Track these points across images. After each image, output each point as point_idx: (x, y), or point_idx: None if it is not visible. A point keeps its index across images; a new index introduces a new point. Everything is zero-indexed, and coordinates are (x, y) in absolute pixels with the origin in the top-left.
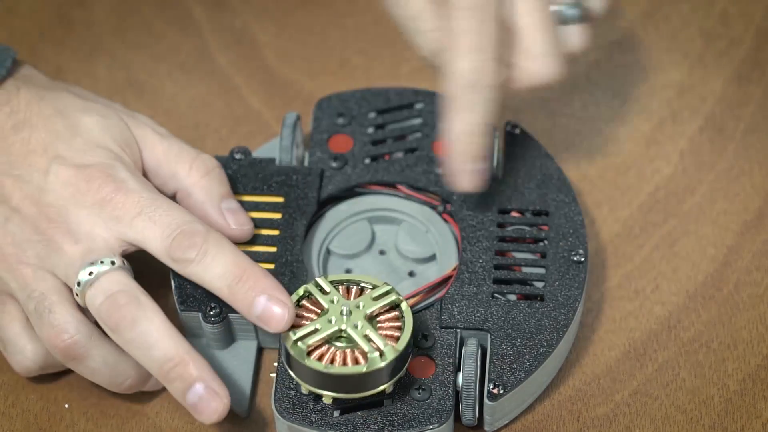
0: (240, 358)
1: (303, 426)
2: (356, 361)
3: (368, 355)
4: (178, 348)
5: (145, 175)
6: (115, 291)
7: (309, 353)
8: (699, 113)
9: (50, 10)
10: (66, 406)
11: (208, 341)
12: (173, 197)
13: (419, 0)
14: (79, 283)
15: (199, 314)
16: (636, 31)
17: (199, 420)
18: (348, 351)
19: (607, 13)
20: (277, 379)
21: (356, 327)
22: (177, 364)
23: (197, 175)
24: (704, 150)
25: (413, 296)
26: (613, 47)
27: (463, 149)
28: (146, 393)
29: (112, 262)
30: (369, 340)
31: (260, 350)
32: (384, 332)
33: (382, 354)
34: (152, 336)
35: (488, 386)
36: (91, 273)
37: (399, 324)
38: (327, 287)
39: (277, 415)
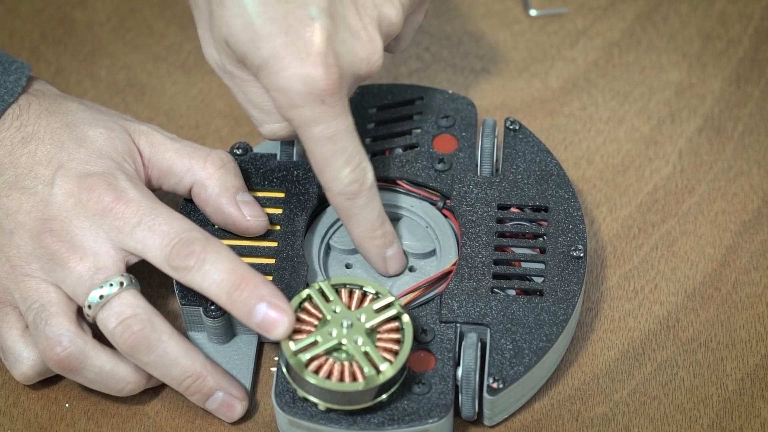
0: (240, 352)
1: (303, 420)
2: (354, 377)
3: (366, 373)
4: (194, 364)
5: (159, 179)
6: (128, 315)
7: (307, 364)
8: (698, 113)
9: (51, 11)
10: (66, 405)
11: (209, 336)
12: (189, 192)
13: (263, 101)
14: (89, 306)
15: (200, 309)
16: (635, 32)
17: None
18: (346, 364)
19: (607, 13)
20: (277, 374)
21: (356, 342)
22: (196, 379)
23: (212, 168)
24: (703, 150)
25: (413, 291)
26: (613, 47)
27: (375, 245)
28: (147, 391)
29: (121, 283)
30: (368, 357)
31: (261, 345)
32: (383, 344)
33: (380, 372)
34: (169, 357)
35: (488, 380)
36: (101, 296)
37: (398, 336)
38: (330, 294)
39: (278, 409)
